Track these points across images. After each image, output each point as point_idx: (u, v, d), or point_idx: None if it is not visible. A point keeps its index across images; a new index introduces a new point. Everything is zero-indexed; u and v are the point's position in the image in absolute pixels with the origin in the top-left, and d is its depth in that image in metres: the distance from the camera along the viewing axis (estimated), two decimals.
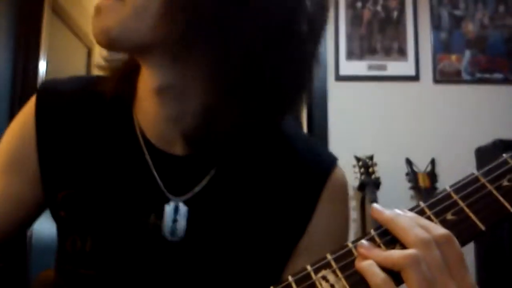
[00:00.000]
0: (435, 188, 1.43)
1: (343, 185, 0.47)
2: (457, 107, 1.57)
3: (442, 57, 1.60)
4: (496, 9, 1.61)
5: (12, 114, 1.38)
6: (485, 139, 1.44)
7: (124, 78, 0.45)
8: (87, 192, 0.43)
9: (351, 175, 1.44)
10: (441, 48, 1.60)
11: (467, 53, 1.60)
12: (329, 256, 0.31)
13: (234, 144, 0.41)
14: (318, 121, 1.57)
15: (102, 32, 0.38)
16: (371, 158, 1.45)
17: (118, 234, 0.42)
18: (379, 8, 1.63)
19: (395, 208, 0.31)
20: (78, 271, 0.42)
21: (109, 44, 0.39)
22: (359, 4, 1.63)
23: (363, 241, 0.30)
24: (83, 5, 1.89)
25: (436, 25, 1.61)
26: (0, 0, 1.43)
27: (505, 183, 0.30)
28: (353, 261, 0.30)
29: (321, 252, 0.44)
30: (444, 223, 0.30)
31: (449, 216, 0.30)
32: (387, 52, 1.60)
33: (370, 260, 0.29)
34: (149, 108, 0.43)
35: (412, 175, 1.46)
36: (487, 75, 1.58)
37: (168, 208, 0.42)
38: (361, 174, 1.42)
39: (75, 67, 1.96)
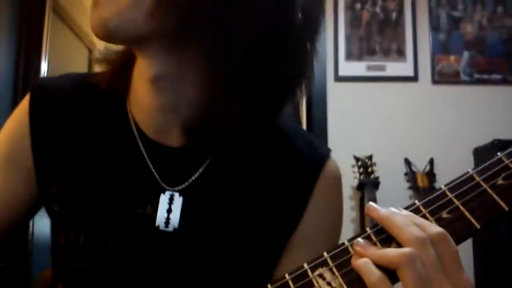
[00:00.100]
0: (433, 188, 1.43)
1: (337, 177, 0.47)
2: (455, 107, 1.58)
3: (440, 58, 1.60)
4: (494, 10, 1.62)
5: None
6: (483, 139, 1.44)
7: (118, 71, 0.45)
8: (80, 185, 0.43)
9: (350, 175, 1.44)
10: (440, 49, 1.61)
11: (466, 54, 1.60)
12: (325, 254, 0.31)
13: (231, 135, 0.41)
14: (318, 121, 1.57)
15: (100, 24, 0.38)
16: (370, 158, 1.45)
17: (112, 227, 0.42)
18: (378, 9, 1.63)
19: (394, 207, 0.31)
20: (72, 265, 0.42)
21: (107, 35, 0.39)
22: (358, 6, 1.63)
23: (359, 239, 0.30)
24: (83, 6, 1.89)
25: (434, 26, 1.62)
26: (1, 1, 1.43)
27: (500, 181, 0.30)
28: (349, 259, 0.30)
29: (315, 243, 0.44)
30: (440, 222, 0.30)
31: (444, 215, 0.30)
32: (386, 53, 1.60)
33: (366, 258, 0.29)
34: (143, 99, 0.43)
35: (411, 175, 1.46)
36: (485, 76, 1.59)
37: (163, 198, 0.42)
38: (360, 174, 1.42)
39: (76, 68, 1.96)
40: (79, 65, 1.96)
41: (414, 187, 1.44)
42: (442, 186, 0.31)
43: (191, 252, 0.42)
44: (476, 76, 1.59)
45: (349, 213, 1.51)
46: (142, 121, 0.44)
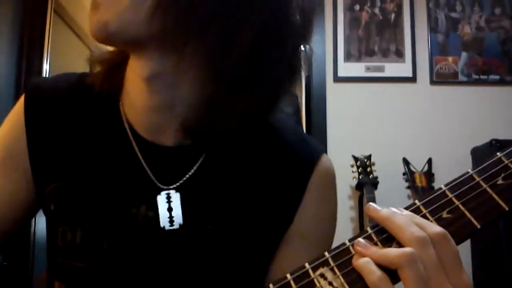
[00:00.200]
0: (432, 188, 1.44)
1: (331, 173, 0.47)
2: (453, 108, 1.58)
3: (439, 58, 1.61)
4: (492, 11, 1.63)
5: None
6: (481, 139, 1.45)
7: (110, 71, 0.45)
8: (76, 184, 0.43)
9: (349, 175, 1.45)
10: (438, 50, 1.61)
11: (464, 55, 1.61)
12: (326, 254, 0.31)
13: (227, 132, 0.42)
14: (317, 121, 1.57)
15: (100, 27, 0.38)
16: (369, 158, 1.46)
17: (107, 226, 0.42)
18: (376, 10, 1.64)
19: (393, 207, 0.31)
20: (69, 263, 0.43)
21: (107, 38, 0.39)
22: (357, 7, 1.64)
23: (360, 239, 0.30)
24: (84, 6, 1.89)
25: (433, 27, 1.63)
26: (4, 1, 1.43)
27: (499, 181, 0.30)
28: (350, 259, 0.30)
29: (310, 238, 0.45)
30: (440, 222, 0.30)
31: (444, 215, 0.30)
32: (385, 54, 1.61)
33: (367, 258, 0.29)
34: (136, 98, 0.43)
35: (409, 175, 1.47)
36: (483, 77, 1.60)
37: (160, 198, 0.42)
38: (359, 173, 1.43)
39: (77, 68, 1.95)
40: (80, 65, 1.95)
41: (412, 186, 1.44)
42: (442, 186, 0.32)
43: (189, 249, 0.42)
44: (474, 76, 1.60)
45: (348, 213, 1.52)
46: (136, 121, 0.44)
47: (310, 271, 0.30)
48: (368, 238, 0.31)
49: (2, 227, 0.46)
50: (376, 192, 1.38)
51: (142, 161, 0.43)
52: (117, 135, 0.44)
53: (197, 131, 0.42)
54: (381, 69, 1.60)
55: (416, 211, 0.31)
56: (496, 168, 0.31)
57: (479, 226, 0.29)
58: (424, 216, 0.31)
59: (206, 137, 0.43)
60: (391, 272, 0.28)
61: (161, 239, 0.42)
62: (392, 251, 0.29)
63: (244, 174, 0.44)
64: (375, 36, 1.62)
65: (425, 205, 0.31)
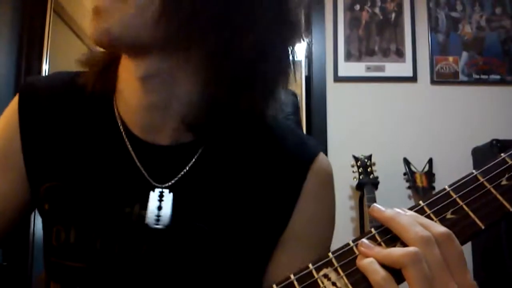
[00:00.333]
0: (432, 188, 1.44)
1: (327, 172, 0.47)
2: (454, 107, 1.58)
3: (439, 58, 1.61)
4: (493, 11, 1.63)
5: None
6: (482, 139, 1.45)
7: (103, 71, 0.45)
8: (70, 183, 0.43)
9: (349, 175, 1.45)
10: (439, 50, 1.61)
11: (464, 55, 1.61)
12: (330, 255, 0.31)
13: (222, 131, 0.42)
14: (317, 121, 1.57)
15: (103, 33, 0.38)
16: (369, 158, 1.46)
17: (101, 226, 0.42)
18: (377, 10, 1.64)
19: (393, 207, 0.31)
20: (63, 263, 0.42)
21: (111, 44, 0.39)
22: (357, 7, 1.64)
23: (364, 240, 0.30)
24: (84, 6, 1.89)
25: (433, 27, 1.63)
26: (3, 1, 1.43)
27: (503, 182, 0.30)
28: (354, 259, 0.30)
29: (307, 238, 0.44)
30: (444, 222, 0.30)
31: (448, 215, 0.30)
32: (385, 54, 1.61)
33: (371, 258, 0.29)
34: (131, 97, 0.43)
35: (410, 175, 1.47)
36: (484, 76, 1.60)
37: (153, 195, 0.42)
38: (360, 173, 1.43)
39: (77, 67, 1.95)
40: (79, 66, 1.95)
41: (413, 187, 1.44)
42: (446, 187, 0.32)
43: (182, 248, 0.42)
44: (475, 76, 1.60)
45: (348, 213, 1.52)
46: (130, 120, 0.44)
47: (314, 272, 0.30)
48: (372, 238, 0.31)
49: None
50: (377, 192, 1.38)
51: (136, 160, 0.43)
52: (110, 135, 0.44)
53: (197, 128, 0.42)
54: (381, 68, 1.60)
55: (420, 211, 0.31)
56: (500, 169, 0.31)
57: (483, 227, 0.29)
58: (428, 217, 0.31)
59: (206, 134, 0.43)
60: (395, 272, 0.28)
61: (155, 239, 0.41)
62: (396, 251, 0.29)
63: (240, 173, 0.44)
64: (376, 35, 1.62)
65: (429, 205, 0.31)
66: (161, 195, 0.42)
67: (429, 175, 1.46)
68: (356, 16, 1.63)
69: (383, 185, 1.43)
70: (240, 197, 0.43)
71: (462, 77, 1.60)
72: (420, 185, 1.43)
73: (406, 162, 1.49)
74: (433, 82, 1.60)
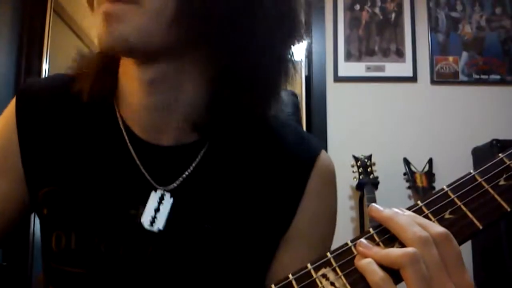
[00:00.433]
0: (432, 188, 1.44)
1: (330, 171, 0.47)
2: (454, 107, 1.58)
3: (439, 58, 1.61)
4: (493, 10, 1.63)
5: None
6: (482, 139, 1.45)
7: (102, 73, 0.44)
8: (70, 187, 0.43)
9: (349, 175, 1.45)
10: (439, 50, 1.61)
11: (464, 55, 1.61)
12: (329, 255, 0.31)
13: (226, 130, 0.42)
14: (317, 121, 1.57)
15: (119, 40, 0.36)
16: (369, 158, 1.46)
17: (105, 229, 0.41)
18: (377, 10, 1.64)
19: (393, 207, 0.31)
20: (64, 269, 0.42)
21: (126, 51, 0.38)
22: (357, 7, 1.64)
23: (362, 240, 0.30)
24: (84, 6, 1.88)
25: (433, 27, 1.63)
26: (3, 1, 1.43)
27: (501, 182, 0.30)
28: (352, 259, 0.30)
29: (310, 237, 0.44)
30: (442, 222, 0.30)
31: (446, 215, 0.30)
32: (385, 54, 1.61)
33: (369, 259, 0.29)
34: (134, 99, 0.42)
35: (410, 175, 1.47)
36: (484, 76, 1.60)
37: (153, 196, 0.42)
38: (360, 173, 1.43)
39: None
40: None
41: (413, 187, 1.44)
42: (444, 187, 0.32)
43: (188, 250, 0.41)
44: (475, 76, 1.60)
45: (348, 213, 1.52)
46: (133, 121, 0.44)
47: (312, 272, 0.30)
48: (370, 238, 0.31)
49: None
50: (377, 192, 1.38)
51: (138, 162, 0.43)
52: (111, 136, 0.44)
53: (200, 128, 0.42)
54: (381, 68, 1.60)
55: (418, 211, 0.31)
56: (498, 169, 0.31)
57: (481, 227, 0.30)
58: (426, 217, 0.31)
59: (209, 134, 0.43)
60: (393, 272, 0.28)
61: (160, 241, 0.41)
62: (394, 251, 0.29)
63: (243, 173, 0.44)
64: (376, 35, 1.62)
65: (427, 205, 0.31)
66: (161, 198, 0.42)
67: (429, 175, 1.46)
68: (356, 16, 1.63)
69: (383, 185, 1.43)
70: (244, 197, 0.43)
71: (462, 77, 1.60)
72: (420, 185, 1.43)
73: (406, 162, 1.49)
74: (433, 82, 1.60)
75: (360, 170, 1.43)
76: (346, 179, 1.45)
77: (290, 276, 0.31)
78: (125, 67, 0.43)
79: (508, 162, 0.31)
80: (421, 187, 1.42)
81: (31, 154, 0.45)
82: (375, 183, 1.41)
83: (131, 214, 0.41)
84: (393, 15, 1.63)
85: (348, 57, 1.61)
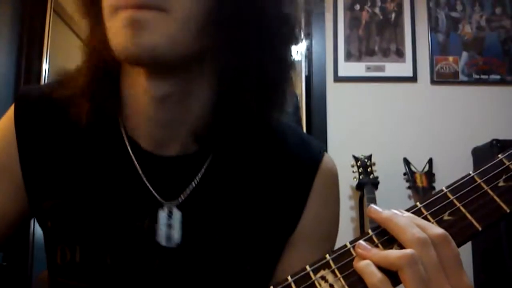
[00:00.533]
0: (432, 188, 1.44)
1: (334, 173, 0.47)
2: (454, 107, 1.58)
3: (439, 58, 1.61)
4: (493, 10, 1.62)
5: None
6: (482, 139, 1.45)
7: (101, 91, 0.41)
8: (73, 200, 0.42)
9: (349, 175, 1.45)
10: (439, 50, 1.61)
11: (464, 55, 1.61)
12: (327, 256, 0.31)
13: (231, 139, 0.42)
14: (317, 121, 1.57)
15: (146, 49, 0.34)
16: (369, 158, 1.46)
17: (110, 241, 0.41)
18: (377, 10, 1.63)
19: (393, 207, 0.31)
20: (70, 284, 0.41)
21: (152, 61, 0.35)
22: (357, 7, 1.64)
23: (361, 242, 0.30)
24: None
25: (433, 27, 1.62)
26: (3, 1, 1.43)
27: (501, 183, 0.30)
28: (351, 261, 0.30)
29: (315, 239, 0.45)
30: (441, 224, 0.30)
31: (445, 217, 0.30)
32: (385, 54, 1.61)
33: (368, 260, 0.29)
34: (141, 113, 0.41)
35: (410, 175, 1.47)
36: (484, 76, 1.59)
37: (162, 214, 0.41)
38: (360, 173, 1.43)
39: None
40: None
41: (413, 187, 1.44)
42: (444, 188, 0.32)
43: (195, 264, 0.41)
44: (475, 76, 1.60)
45: (348, 213, 1.52)
46: (137, 134, 0.43)
47: (311, 273, 0.30)
48: (369, 240, 0.31)
49: None
50: (377, 192, 1.38)
51: (142, 174, 0.42)
52: (115, 149, 0.43)
53: (207, 138, 0.42)
54: (381, 68, 1.60)
55: (417, 213, 0.31)
56: (497, 170, 0.31)
57: (480, 228, 0.29)
58: (425, 218, 0.31)
59: (214, 143, 0.42)
60: (392, 274, 0.28)
61: (167, 253, 0.41)
62: (393, 253, 0.29)
63: (248, 180, 0.44)
64: (376, 35, 1.62)
65: (426, 207, 0.31)
66: (170, 213, 0.41)
67: (429, 175, 1.46)
68: (356, 16, 1.63)
69: (383, 185, 1.43)
70: (250, 203, 0.43)
71: (462, 77, 1.60)
72: (420, 185, 1.43)
73: (406, 162, 1.49)
74: (433, 82, 1.60)
75: (360, 170, 1.43)
76: (346, 179, 1.45)
77: (289, 278, 0.31)
78: (132, 79, 0.41)
79: (507, 163, 0.31)
80: (421, 187, 1.42)
81: (32, 164, 0.44)
82: (375, 183, 1.40)
83: (136, 226, 0.41)
84: (393, 15, 1.63)
85: (348, 57, 1.61)
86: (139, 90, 0.40)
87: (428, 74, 1.60)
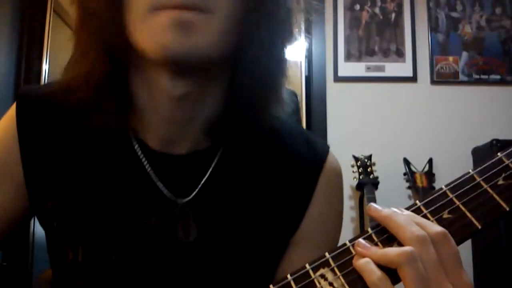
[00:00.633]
0: (432, 188, 1.44)
1: (338, 172, 0.48)
2: (454, 107, 1.58)
3: (439, 58, 1.61)
4: (493, 10, 1.62)
5: None
6: (482, 139, 1.45)
7: (111, 95, 0.40)
8: (78, 200, 0.42)
9: (349, 175, 1.45)
10: (439, 50, 1.61)
11: (464, 55, 1.61)
12: (327, 255, 0.31)
13: (239, 136, 0.43)
14: (317, 121, 1.57)
15: (192, 51, 0.34)
16: (369, 158, 1.46)
17: (116, 240, 0.41)
18: (377, 10, 1.63)
19: (393, 207, 0.31)
20: (77, 283, 0.41)
21: (197, 63, 0.36)
22: (357, 7, 1.64)
23: (360, 240, 0.30)
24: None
25: (433, 27, 1.62)
26: (3, 1, 1.43)
27: (500, 181, 0.30)
28: (351, 259, 0.30)
29: (318, 238, 0.45)
30: (441, 222, 0.30)
31: (445, 215, 0.30)
32: (385, 54, 1.61)
33: (367, 258, 0.29)
34: (152, 113, 0.41)
35: (410, 175, 1.47)
36: (484, 76, 1.59)
37: (176, 212, 0.41)
38: (360, 173, 1.43)
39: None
40: None
41: (413, 187, 1.44)
42: (443, 186, 0.32)
43: (202, 259, 0.42)
44: (475, 76, 1.60)
45: (348, 213, 1.52)
46: (145, 133, 0.42)
47: (311, 272, 0.30)
48: (369, 238, 0.31)
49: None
50: (377, 192, 1.38)
51: (150, 172, 0.42)
52: (122, 148, 0.43)
53: (215, 133, 0.42)
54: (381, 69, 1.60)
55: (417, 211, 0.31)
56: (497, 169, 0.31)
57: (480, 227, 0.29)
58: (425, 216, 0.31)
59: (222, 140, 0.43)
60: (391, 273, 0.28)
61: (174, 250, 0.41)
62: (392, 251, 0.29)
63: (254, 178, 0.44)
64: (376, 35, 1.62)
65: (426, 205, 0.31)
66: (183, 210, 0.41)
67: (429, 175, 1.46)
68: (356, 16, 1.63)
69: (383, 185, 1.42)
70: (255, 200, 0.44)
71: (462, 77, 1.60)
72: (420, 185, 1.43)
73: (406, 162, 1.49)
74: (433, 82, 1.60)
75: (360, 170, 1.43)
76: (346, 179, 1.43)
77: (289, 276, 0.31)
78: (146, 79, 0.40)
79: (507, 162, 0.31)
80: (421, 187, 1.42)
81: (34, 164, 0.43)
82: (375, 183, 1.40)
83: (143, 224, 0.41)
84: (393, 15, 1.63)
85: (348, 57, 1.61)
86: (156, 90, 0.40)
87: (428, 74, 1.60)
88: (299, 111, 1.60)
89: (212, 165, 0.43)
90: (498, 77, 1.59)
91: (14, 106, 0.45)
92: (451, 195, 0.31)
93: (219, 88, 0.42)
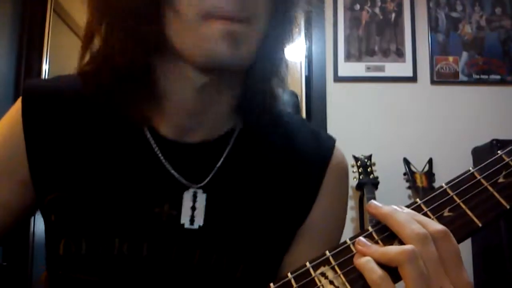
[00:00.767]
0: (432, 188, 1.43)
1: (344, 166, 0.49)
2: (454, 107, 1.58)
3: (439, 58, 1.61)
4: (493, 10, 1.62)
5: None
6: (482, 139, 1.45)
7: (139, 88, 0.40)
8: (83, 192, 0.42)
9: (349, 175, 1.44)
10: (439, 50, 1.61)
11: (464, 55, 1.61)
12: (327, 253, 0.31)
13: (252, 125, 0.45)
14: (317, 121, 1.57)
15: (239, 60, 0.37)
16: (369, 158, 1.46)
17: (126, 229, 0.40)
18: (377, 10, 1.64)
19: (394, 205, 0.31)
20: (78, 277, 0.41)
21: (241, 70, 0.40)
22: (357, 7, 1.64)
23: (361, 238, 0.30)
24: (84, 6, 1.88)
25: (433, 27, 1.63)
26: (4, 1, 1.43)
27: (500, 179, 0.30)
28: (351, 258, 0.30)
29: (323, 232, 0.46)
30: (441, 220, 0.30)
31: (445, 213, 0.30)
32: (385, 54, 1.61)
33: (368, 257, 0.29)
34: (176, 104, 0.41)
35: (410, 175, 1.46)
36: (484, 76, 1.59)
37: (187, 195, 0.42)
38: (360, 173, 1.43)
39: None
40: None
41: (413, 187, 1.44)
42: (443, 184, 0.31)
43: (213, 246, 0.42)
44: (475, 76, 1.60)
45: (348, 213, 1.50)
46: (159, 120, 0.42)
47: (311, 270, 0.30)
48: (369, 236, 0.31)
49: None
50: (377, 192, 1.38)
51: (163, 160, 0.42)
52: (132, 135, 0.42)
53: (231, 122, 0.44)
54: (381, 69, 1.60)
55: (418, 209, 0.31)
56: (497, 166, 0.31)
57: (480, 225, 0.29)
58: (426, 214, 0.30)
59: (238, 127, 0.45)
60: (392, 271, 0.28)
61: (186, 239, 0.41)
62: (393, 249, 0.28)
63: (265, 169, 0.45)
64: (376, 35, 1.62)
65: (426, 203, 0.31)
66: (194, 195, 0.42)
67: (429, 175, 1.46)
68: (356, 16, 1.63)
69: (383, 185, 1.42)
70: (265, 191, 0.45)
71: (462, 77, 1.60)
72: (420, 185, 1.43)
73: (406, 162, 1.49)
74: (433, 82, 1.60)
75: (360, 170, 1.43)
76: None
77: (289, 274, 0.31)
78: (171, 69, 0.40)
79: (507, 159, 0.31)
80: (421, 187, 1.42)
81: (41, 159, 0.43)
82: (375, 183, 1.40)
83: (155, 212, 0.41)
84: (393, 15, 1.63)
85: (348, 57, 1.61)
86: (180, 79, 0.40)
87: (428, 74, 1.60)
88: (299, 111, 1.60)
89: (224, 155, 0.44)
90: (498, 77, 1.59)
91: (19, 100, 0.45)
92: (451, 193, 0.31)
93: (238, 78, 0.43)
